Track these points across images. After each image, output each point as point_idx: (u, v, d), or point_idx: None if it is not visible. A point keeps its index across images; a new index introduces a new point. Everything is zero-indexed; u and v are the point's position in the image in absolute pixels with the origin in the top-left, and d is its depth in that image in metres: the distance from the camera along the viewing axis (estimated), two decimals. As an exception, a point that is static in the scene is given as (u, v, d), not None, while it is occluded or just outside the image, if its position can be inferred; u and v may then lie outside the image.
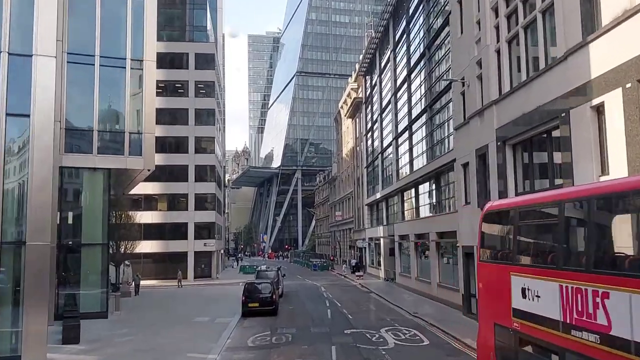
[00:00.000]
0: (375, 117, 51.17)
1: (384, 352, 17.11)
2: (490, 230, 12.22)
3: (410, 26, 37.61)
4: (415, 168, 35.70)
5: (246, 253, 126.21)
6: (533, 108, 17.43)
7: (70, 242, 26.67)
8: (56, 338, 19.27)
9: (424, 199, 34.70)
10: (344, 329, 21.77)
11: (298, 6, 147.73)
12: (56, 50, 22.39)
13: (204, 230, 57.09)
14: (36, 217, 15.55)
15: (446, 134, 28.94)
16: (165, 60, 54.64)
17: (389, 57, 44.53)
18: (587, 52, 14.39)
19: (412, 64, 36.80)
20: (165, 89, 55.86)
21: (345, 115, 70.61)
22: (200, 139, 57.12)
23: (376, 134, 50.75)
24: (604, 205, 8.22)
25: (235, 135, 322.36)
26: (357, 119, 62.31)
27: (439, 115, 30.64)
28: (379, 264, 49.84)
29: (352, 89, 65.15)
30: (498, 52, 20.52)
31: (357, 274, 50.88)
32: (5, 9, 16.23)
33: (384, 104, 46.96)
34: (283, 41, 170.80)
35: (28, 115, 15.77)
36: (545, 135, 17.43)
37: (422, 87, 34.21)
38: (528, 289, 9.43)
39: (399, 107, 41.01)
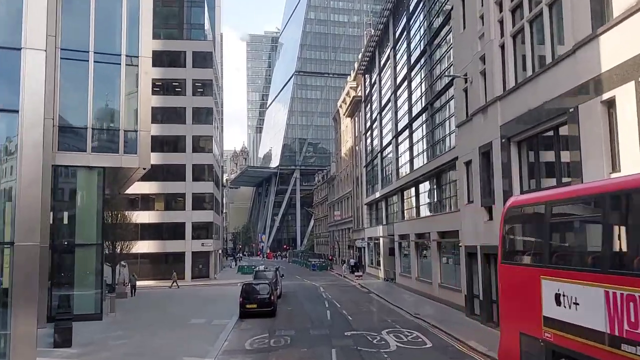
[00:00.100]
0: (374, 115, 50.65)
1: (386, 356, 16.58)
2: (515, 229, 11.27)
3: (411, 23, 37.09)
4: (415, 167, 35.18)
5: (245, 253, 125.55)
6: (539, 104, 16.92)
7: (65, 243, 26.07)
8: (48, 341, 18.70)
9: (425, 198, 34.18)
10: (344, 331, 21.23)
11: (297, 6, 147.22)
12: (47, 44, 21.87)
13: (202, 230, 56.51)
14: (25, 216, 14.99)
15: (447, 132, 28.42)
16: (162, 59, 54.09)
17: (388, 55, 44.00)
18: (597, 45, 13.89)
19: (412, 62, 36.29)
20: (163, 87, 55.31)
21: (344, 114, 70.09)
22: (197, 138, 56.53)
23: (375, 132, 50.23)
24: None
25: (234, 135, 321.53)
26: (356, 118, 61.78)
27: (440, 113, 30.11)
28: (379, 264, 49.33)
29: (351, 87, 64.62)
30: (502, 47, 20.02)
31: (356, 274, 50.41)
32: (-7, 1, 15.73)
33: (383, 102, 46.44)
34: (282, 41, 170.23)
35: (17, 111, 15.19)
36: (552, 132, 16.91)
37: (423, 84, 33.69)
38: (563, 295, 8.40)
39: (399, 105, 40.48)
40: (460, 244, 24.62)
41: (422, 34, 34.29)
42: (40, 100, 15.58)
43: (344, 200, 72.20)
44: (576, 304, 8.06)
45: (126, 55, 26.65)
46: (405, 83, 37.86)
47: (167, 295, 38.77)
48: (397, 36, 41.66)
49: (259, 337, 20.14)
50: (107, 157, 26.00)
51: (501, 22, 20.14)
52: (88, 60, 25.75)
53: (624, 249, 7.70)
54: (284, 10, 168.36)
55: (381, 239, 47.48)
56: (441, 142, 29.76)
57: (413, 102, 36.09)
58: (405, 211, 39.52)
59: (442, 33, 29.49)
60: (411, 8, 36.90)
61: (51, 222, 24.55)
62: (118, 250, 39.24)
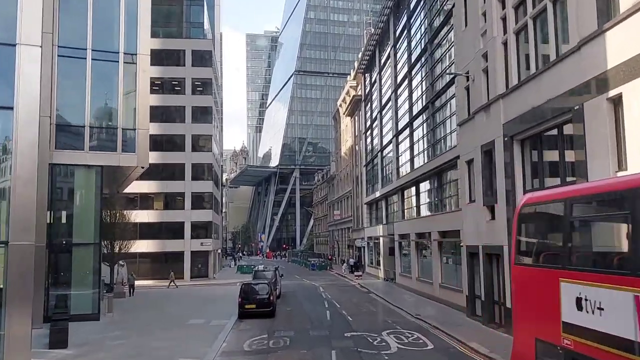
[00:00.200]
0: (374, 114, 50.38)
1: (386, 357, 16.32)
2: (529, 228, 10.66)
3: (412, 21, 36.82)
4: (416, 166, 34.91)
5: (244, 252, 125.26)
6: (543, 101, 16.65)
7: (63, 242, 25.77)
8: (43, 342, 18.43)
9: (426, 197, 33.90)
10: (344, 331, 20.95)
11: (296, 5, 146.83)
12: (43, 41, 21.62)
13: (201, 230, 56.22)
14: (20, 215, 14.71)
15: (449, 131, 28.14)
16: (161, 57, 53.85)
17: (389, 54, 43.72)
18: (602, 41, 13.60)
19: (413, 60, 36.02)
20: (162, 86, 55.01)
21: (344, 114, 69.83)
22: (197, 137, 56.23)
23: (376, 131, 49.96)
24: None
25: (234, 135, 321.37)
26: (356, 117, 61.51)
27: (441, 112, 29.82)
28: (378, 264, 49.07)
29: (351, 86, 64.34)
30: (505, 44, 19.73)
31: (356, 273, 50.16)
32: (-13, -4, 15.45)
33: (383, 101, 46.17)
34: (281, 40, 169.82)
35: (11, 108, 14.91)
36: (556, 130, 16.64)
37: (424, 83, 33.41)
38: (586, 299, 7.81)
39: (399, 104, 40.21)
40: (461, 244, 24.35)
41: (422, 32, 34.02)
42: (35, 97, 15.31)
43: (343, 200, 71.94)
44: (601, 309, 7.50)
45: (124, 53, 26.42)
46: (406, 82, 37.58)
47: (165, 295, 38.50)
48: (397, 35, 41.39)
49: (258, 338, 19.87)
50: (105, 155, 25.74)
51: (504, 19, 19.87)
52: (86, 58, 25.50)
53: None
54: (284, 10, 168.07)
55: (381, 239, 47.21)
56: (442, 141, 29.48)
57: (414, 100, 35.81)
58: (405, 210, 39.25)
59: (443, 31, 29.21)
60: (412, 6, 36.63)
61: (48, 221, 24.30)
62: (116, 250, 38.91)
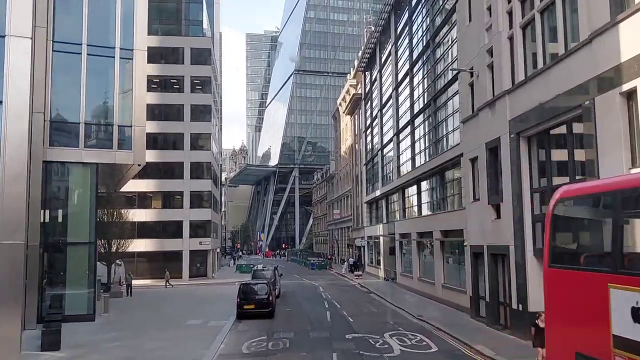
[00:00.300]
0: (375, 113, 49.83)
1: (389, 361, 15.81)
2: (568, 225, 9.56)
3: (413, 18, 36.27)
4: (417, 164, 34.37)
5: (243, 251, 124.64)
6: (551, 97, 16.14)
7: (58, 241, 25.19)
8: (36, 344, 17.86)
9: (428, 196, 33.35)
10: (345, 333, 20.42)
11: (296, 5, 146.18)
12: (37, 35, 21.10)
13: (200, 229, 55.60)
14: (9, 214, 14.22)
15: (452, 128, 27.59)
16: (160, 55, 53.39)
17: (390, 51, 43.17)
18: (616, 33, 13.10)
19: (414, 57, 35.48)
20: (160, 84, 54.44)
21: (343, 112, 69.27)
22: (196, 136, 55.58)
23: (376, 130, 49.42)
24: None
25: (234, 134, 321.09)
26: (356, 116, 60.97)
27: (443, 109, 29.27)
28: (379, 263, 48.56)
29: (351, 85, 63.80)
30: (511, 39, 19.22)
31: (356, 273, 49.68)
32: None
33: (384, 99, 45.62)
34: (281, 40, 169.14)
35: (0, 102, 14.37)
36: (564, 127, 16.13)
37: (426, 80, 32.88)
38: None
39: (400, 102, 39.67)
40: (465, 244, 23.82)
41: (424, 28, 33.49)
42: (25, 90, 14.80)
43: (343, 199, 71.41)
44: None
45: (120, 48, 25.82)
46: (407, 79, 37.03)
47: (163, 295, 37.98)
48: (398, 32, 40.84)
49: (257, 340, 19.32)
50: (100, 153, 25.18)
51: (510, 13, 19.35)
52: (81, 53, 24.90)
53: None
54: (284, 9, 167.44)
55: (381, 238, 46.70)
56: (445, 139, 28.93)
57: (415, 98, 35.26)
58: (406, 209, 38.72)
59: (446, 27, 28.67)
60: (413, 2, 36.08)
61: (42, 220, 23.75)
62: (114, 249, 38.35)
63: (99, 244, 35.88)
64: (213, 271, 57.68)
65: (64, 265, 25.14)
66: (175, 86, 55.30)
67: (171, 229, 53.97)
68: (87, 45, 25.02)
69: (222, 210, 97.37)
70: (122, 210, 41.54)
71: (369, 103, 53.33)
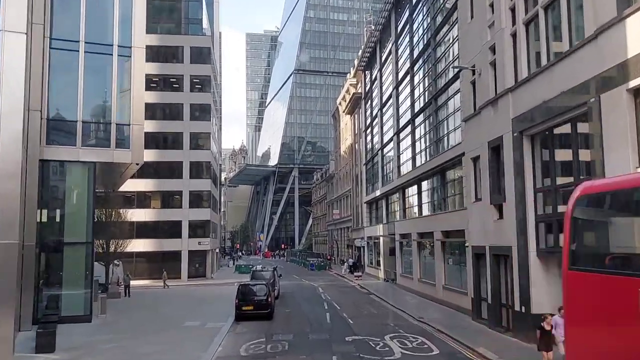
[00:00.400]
0: (375, 112, 49.52)
1: (390, 364, 15.51)
2: (591, 224, 8.98)
3: (414, 16, 35.96)
4: (418, 164, 34.06)
5: (242, 252, 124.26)
6: (555, 95, 15.85)
7: (55, 241, 24.84)
8: (30, 345, 17.55)
9: (428, 196, 33.04)
10: (344, 335, 20.11)
11: (296, 4, 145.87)
12: (33, 32, 20.81)
13: (199, 229, 55.28)
14: (3, 213, 13.87)
15: (453, 127, 27.27)
16: (159, 54, 53.11)
17: (390, 50, 42.87)
18: (622, 28, 12.81)
19: (415, 56, 35.17)
20: (160, 83, 54.16)
21: (343, 112, 68.97)
22: (195, 135, 55.24)
23: (376, 129, 49.11)
24: None
25: (233, 134, 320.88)
26: (356, 115, 60.67)
27: (445, 108, 28.95)
28: (379, 264, 48.23)
29: (351, 84, 63.51)
30: (514, 35, 18.92)
31: (355, 274, 49.37)
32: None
33: (384, 98, 45.31)
34: (281, 39, 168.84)
35: (-6, 98, 14.09)
36: (569, 125, 15.83)
37: (426, 78, 32.57)
38: None
39: (400, 101, 39.35)
40: (466, 244, 23.51)
41: (425, 26, 33.18)
42: (20, 86, 14.51)
43: (343, 199, 71.09)
44: None
45: (119, 46, 25.55)
46: (408, 78, 36.73)
47: (161, 296, 37.67)
48: (399, 30, 40.52)
49: (255, 342, 19.01)
50: (98, 151, 24.94)
51: (513, 9, 19.06)
52: (79, 51, 24.63)
53: None
54: (284, 9, 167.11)
55: (381, 239, 46.38)
56: (446, 138, 28.61)
57: (416, 97, 34.95)
58: (406, 210, 38.41)
59: (447, 25, 28.36)
60: (414, 0, 35.77)
61: (38, 219, 23.44)
62: (112, 249, 38.01)
63: (97, 244, 35.71)
64: (212, 272, 57.36)
65: (60, 265, 24.87)
66: (174, 85, 54.99)
67: (170, 229, 53.63)
68: (85, 42, 24.77)
69: (222, 210, 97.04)
70: (121, 210, 41.18)
71: (369, 102, 53.03)
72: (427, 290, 31.03)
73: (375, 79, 49.82)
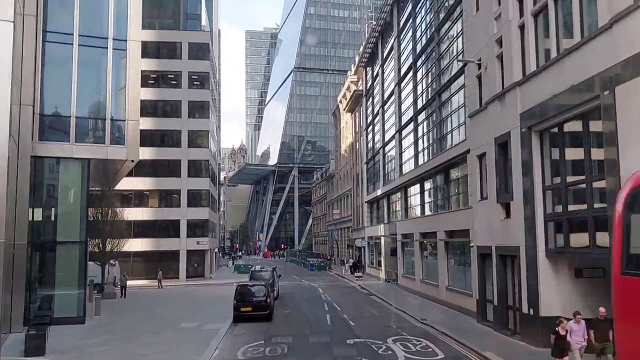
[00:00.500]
0: (376, 109, 48.79)
1: (394, 369, 14.84)
2: None
3: (417, 9, 35.24)
4: (420, 162, 33.34)
5: (241, 252, 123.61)
6: (566, 88, 15.19)
7: (47, 240, 24.21)
8: (20, 348, 16.89)
9: (431, 195, 32.35)
10: (345, 338, 19.43)
11: (296, 1, 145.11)
12: (25, 24, 20.13)
13: (198, 228, 54.59)
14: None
15: (458, 124, 26.57)
16: (157, 50, 52.44)
17: (392, 45, 42.15)
18: (639, 17, 12.13)
19: (418, 50, 34.44)
20: (157, 79, 53.48)
21: (344, 110, 68.26)
22: (193, 133, 54.51)
23: (377, 127, 48.39)
24: None
25: (233, 133, 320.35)
26: (357, 113, 59.96)
27: (449, 104, 28.24)
28: (379, 264, 47.56)
29: (351, 81, 62.80)
30: (522, 27, 18.24)
31: (355, 274, 48.74)
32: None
33: (386, 95, 44.58)
34: (281, 37, 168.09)
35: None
36: (580, 119, 15.16)
37: (430, 74, 31.86)
38: None
39: (402, 97, 38.63)
40: (471, 244, 22.83)
41: (428, 20, 32.47)
42: (6, 77, 13.82)
43: (343, 199, 70.41)
44: None
45: (114, 39, 24.91)
46: (410, 74, 36.00)
47: (158, 296, 37.01)
48: (401, 25, 39.77)
49: (253, 345, 18.33)
50: (91, 148, 24.30)
51: (520, 0, 18.38)
52: (72, 44, 23.99)
53: None
54: (284, 6, 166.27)
55: (382, 239, 45.71)
56: (450, 135, 27.90)
57: (419, 93, 34.24)
58: (408, 209, 37.73)
59: (452, 18, 27.66)
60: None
61: (30, 218, 22.77)
62: (108, 249, 37.32)
63: (93, 244, 35.10)
64: (211, 272, 56.71)
65: (53, 265, 24.18)
66: (172, 82, 54.24)
67: (168, 228, 52.95)
68: (80, 35, 24.18)
69: (221, 209, 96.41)
70: (118, 209, 40.50)
71: (371, 99, 52.31)
72: (430, 291, 30.36)
73: (377, 75, 49.11)
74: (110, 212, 38.11)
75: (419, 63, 34.42)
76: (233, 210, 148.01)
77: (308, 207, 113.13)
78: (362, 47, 56.70)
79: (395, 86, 40.45)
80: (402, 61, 39.17)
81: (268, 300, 24.46)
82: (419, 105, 33.87)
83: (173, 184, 53.46)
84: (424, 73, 33.33)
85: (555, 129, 16.56)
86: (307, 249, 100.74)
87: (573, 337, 12.67)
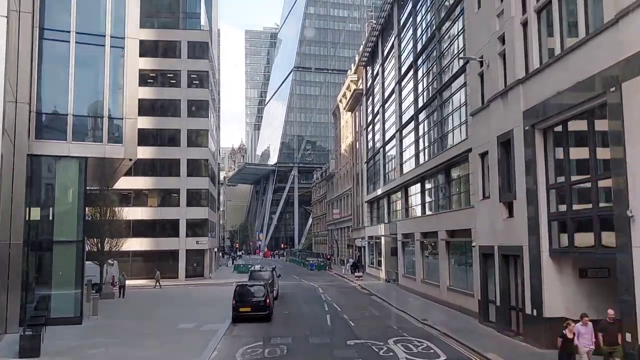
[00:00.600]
0: (376, 108, 48.50)
1: (395, 370, 14.56)
2: None
3: (417, 7, 34.95)
4: (421, 161, 33.05)
5: (242, 251, 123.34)
6: (570, 85, 14.94)
7: (44, 240, 23.94)
8: (14, 349, 16.61)
9: (432, 195, 32.08)
10: (346, 339, 19.15)
11: (296, 1, 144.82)
12: (21, 21, 19.88)
13: (197, 228, 54.28)
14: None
15: (459, 122, 26.28)
16: (156, 49, 52.15)
17: (392, 44, 41.87)
18: (647, 11, 11.88)
19: (418, 49, 34.15)
20: (156, 78, 53.13)
21: (344, 109, 67.99)
22: (193, 132, 54.17)
23: (378, 126, 48.11)
24: None
25: (233, 132, 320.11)
26: (357, 113, 59.68)
27: (450, 102, 27.96)
28: (380, 264, 47.29)
29: (351, 81, 62.50)
30: (525, 24, 17.97)
31: (356, 274, 48.49)
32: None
33: (386, 94, 44.30)
34: (280, 36, 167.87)
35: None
36: (585, 116, 14.89)
37: (431, 73, 31.58)
38: None
39: (403, 96, 38.35)
40: (473, 244, 22.55)
41: (429, 19, 32.19)
42: (0, 73, 13.49)
43: (343, 198, 70.14)
44: None
45: (111, 36, 24.64)
46: (411, 73, 35.72)
47: (157, 296, 36.70)
48: (402, 23, 39.49)
49: (252, 346, 18.05)
50: (89, 146, 24.03)
51: (523, -3, 18.13)
52: (69, 42, 23.72)
53: None
54: (283, 6, 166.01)
55: (382, 238, 45.44)
56: (451, 134, 27.62)
57: (419, 92, 33.95)
58: (409, 209, 37.45)
59: (453, 16, 27.39)
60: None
61: (27, 217, 22.49)
62: (106, 248, 37.03)
63: (91, 243, 34.84)
64: (210, 271, 56.41)
65: (50, 264, 23.89)
66: (171, 81, 53.90)
67: (167, 228, 52.65)
68: (77, 32, 23.87)
69: (221, 209, 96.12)
70: (117, 208, 40.21)
71: (371, 99, 52.03)
72: (431, 291, 30.09)
73: (377, 74, 48.83)
74: (108, 211, 37.83)
75: (419, 62, 34.15)
76: (233, 210, 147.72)
77: (308, 206, 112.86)
78: (362, 46, 56.42)
79: (395, 85, 40.18)
80: (402, 60, 38.90)
81: (267, 301, 24.18)
82: (420, 104, 33.60)
83: (172, 183, 53.16)
84: (424, 72, 33.06)
85: (559, 127, 16.29)
86: (307, 248, 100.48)
87: (581, 340, 12.37)
